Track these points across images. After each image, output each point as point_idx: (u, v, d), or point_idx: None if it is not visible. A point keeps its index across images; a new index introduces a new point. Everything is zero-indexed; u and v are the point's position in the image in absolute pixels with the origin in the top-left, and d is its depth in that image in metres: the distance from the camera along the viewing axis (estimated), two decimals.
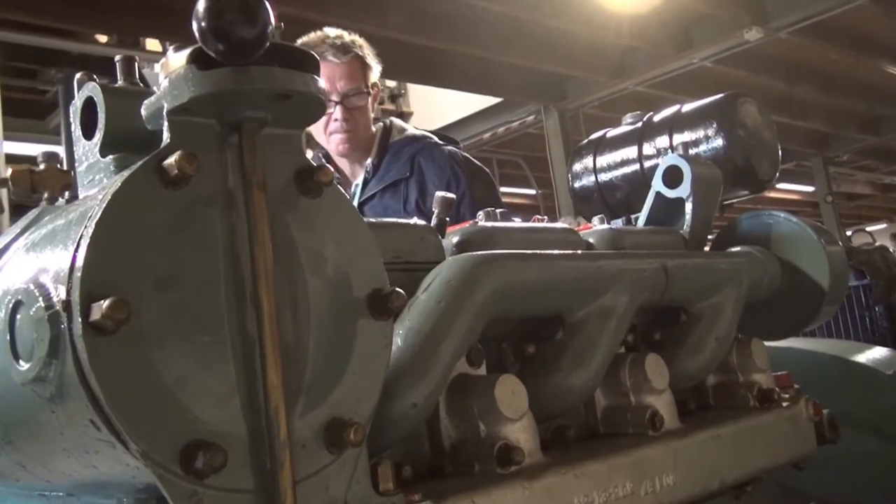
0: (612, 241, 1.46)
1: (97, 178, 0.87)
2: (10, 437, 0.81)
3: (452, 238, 1.25)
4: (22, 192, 1.04)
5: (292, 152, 0.81)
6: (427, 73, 7.74)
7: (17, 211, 1.10)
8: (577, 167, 1.99)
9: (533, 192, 11.57)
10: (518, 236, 1.31)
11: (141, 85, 0.93)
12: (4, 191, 1.06)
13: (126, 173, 0.72)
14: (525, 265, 1.13)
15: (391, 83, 8.85)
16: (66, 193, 1.00)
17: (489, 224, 1.31)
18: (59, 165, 1.08)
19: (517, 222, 1.39)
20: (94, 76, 0.95)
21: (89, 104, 0.89)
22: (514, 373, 1.20)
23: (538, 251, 1.18)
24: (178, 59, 0.73)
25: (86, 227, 0.69)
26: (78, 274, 0.67)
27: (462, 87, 8.56)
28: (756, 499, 1.35)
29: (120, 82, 0.92)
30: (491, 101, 9.78)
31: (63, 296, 0.68)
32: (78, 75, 0.94)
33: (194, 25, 0.66)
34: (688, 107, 1.85)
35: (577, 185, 2.00)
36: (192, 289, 0.72)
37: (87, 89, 0.89)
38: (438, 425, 1.07)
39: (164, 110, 0.74)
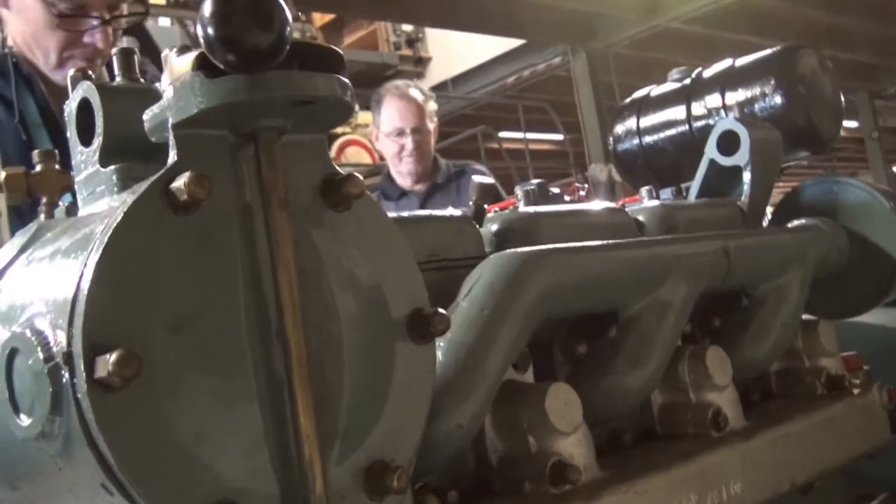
0: (665, 218, 1.34)
1: (98, 190, 0.78)
2: (18, 486, 0.73)
3: (491, 226, 1.15)
4: (18, 197, 0.96)
5: (316, 160, 0.71)
6: (445, 16, 7.46)
7: (18, 215, 1.00)
8: (619, 129, 1.86)
9: (560, 137, 11.35)
10: (562, 221, 1.20)
11: (142, 80, 0.83)
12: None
13: (129, 199, 0.62)
14: (575, 260, 1.03)
15: (407, 27, 8.60)
16: (66, 200, 0.91)
17: (530, 209, 1.20)
18: (56, 166, 0.99)
19: (559, 205, 1.28)
20: (90, 73, 0.84)
21: (85, 106, 0.79)
22: (564, 375, 1.11)
23: (587, 243, 1.07)
24: (182, 65, 0.62)
25: (86, 264, 0.60)
26: (79, 321, 0.58)
27: (483, 29, 8.27)
28: (825, 494, 1.26)
29: (119, 79, 0.82)
30: (514, 43, 9.51)
31: (64, 346, 0.59)
32: (71, 72, 0.84)
33: (199, 31, 0.55)
34: (741, 61, 1.70)
35: (619, 148, 1.87)
36: (209, 327, 0.63)
37: (83, 89, 0.79)
38: (483, 439, 0.98)
39: (169, 123, 0.64)
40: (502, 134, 10.88)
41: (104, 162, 0.78)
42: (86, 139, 0.80)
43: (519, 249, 1.00)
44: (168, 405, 0.61)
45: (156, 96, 0.81)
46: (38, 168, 0.98)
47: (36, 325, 0.62)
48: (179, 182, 0.61)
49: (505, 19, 7.84)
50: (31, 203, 0.98)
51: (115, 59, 0.82)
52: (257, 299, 0.65)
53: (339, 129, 9.26)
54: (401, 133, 3.34)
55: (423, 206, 3.33)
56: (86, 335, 0.57)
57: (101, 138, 0.77)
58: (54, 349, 0.60)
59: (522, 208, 1.26)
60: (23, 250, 0.78)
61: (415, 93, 3.40)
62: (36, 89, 1.72)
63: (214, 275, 0.64)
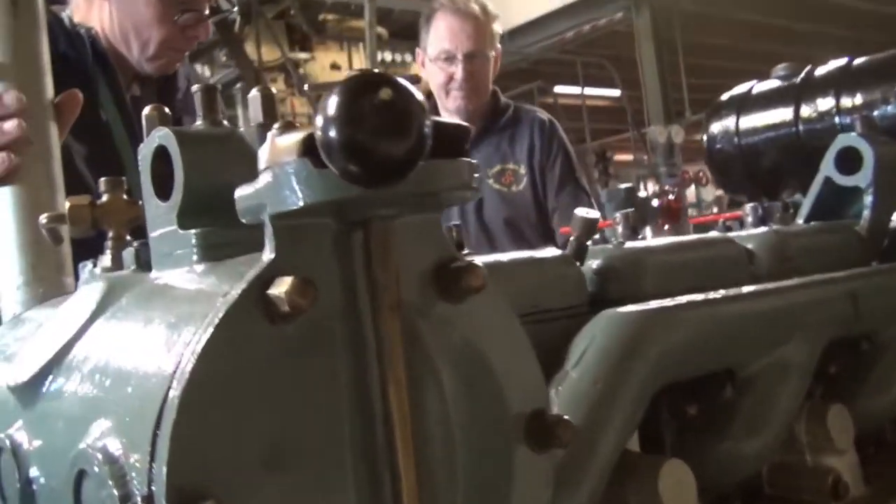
0: (777, 248, 1.21)
1: (176, 253, 0.68)
2: None
3: (592, 263, 1.03)
4: (82, 230, 0.87)
5: (430, 242, 0.60)
6: None
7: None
8: (716, 128, 1.72)
9: (617, 93, 11.05)
10: (670, 258, 1.08)
11: (227, 123, 0.72)
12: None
13: (221, 308, 0.52)
14: (695, 319, 0.91)
15: None
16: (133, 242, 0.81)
17: (636, 245, 1.08)
18: (124, 196, 0.89)
19: (665, 238, 1.15)
20: (166, 110, 0.74)
21: (161, 153, 0.69)
22: (672, 436, 1.00)
23: (705, 297, 0.95)
24: (285, 144, 0.51)
25: (171, 387, 0.51)
26: (163, 459, 0.49)
27: None
28: None
29: (199, 122, 0.72)
30: None
31: (143, 488, 0.50)
32: (146, 111, 0.74)
33: (318, 125, 0.44)
34: (859, 61, 1.54)
35: (714, 148, 1.73)
36: (308, 461, 0.53)
37: (159, 136, 0.69)
38: None
39: (266, 212, 0.54)
40: (557, 89, 10.62)
41: (183, 222, 0.68)
42: (162, 191, 0.70)
43: (633, 308, 0.88)
44: None
45: (241, 143, 0.71)
46: (105, 198, 0.89)
47: (109, 448, 0.53)
48: (279, 289, 0.51)
49: None
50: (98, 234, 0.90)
51: (197, 97, 0.72)
52: (364, 423, 0.55)
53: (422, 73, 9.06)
54: (450, 58, 2.64)
55: None
56: (171, 481, 0.48)
57: (180, 196, 0.67)
58: (131, 486, 0.51)
59: (622, 237, 1.15)
60: (93, 318, 0.69)
61: (474, 8, 2.69)
62: (110, 72, 1.67)
63: (314, 392, 0.54)
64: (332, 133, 0.43)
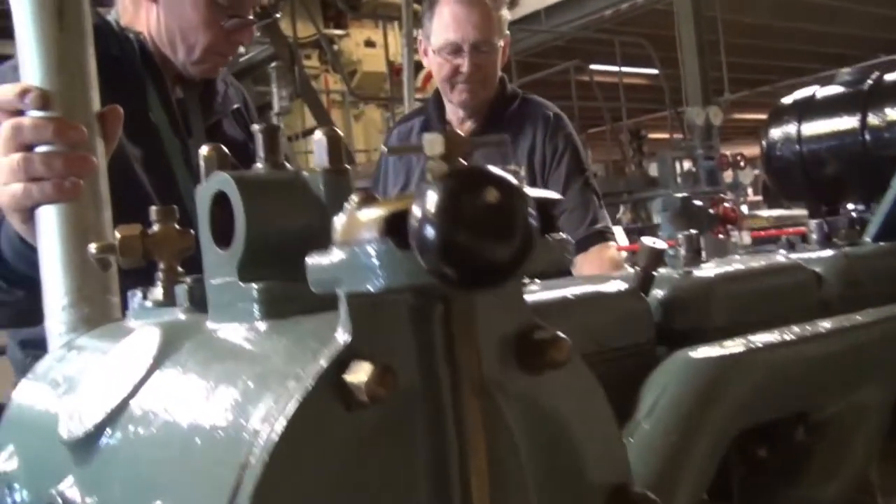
0: (846, 272, 1.16)
1: (236, 306, 0.65)
2: None
3: (657, 293, 0.98)
4: (133, 261, 0.84)
5: (513, 312, 0.56)
6: None
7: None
8: (776, 134, 1.65)
9: (654, 71, 10.86)
10: (739, 287, 1.03)
11: (289, 166, 0.69)
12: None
13: (296, 392, 0.48)
14: (773, 361, 0.86)
15: None
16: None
17: (704, 273, 1.03)
18: (175, 225, 0.86)
19: (732, 264, 1.10)
20: (225, 150, 0.71)
21: (221, 199, 0.66)
22: (740, 479, 0.96)
23: (781, 337, 0.90)
24: (365, 220, 0.47)
25: (243, 474, 0.47)
26: None
27: None
28: None
29: (260, 165, 0.68)
30: None
31: None
32: (204, 151, 0.70)
33: (414, 215, 0.40)
34: None
35: (774, 154, 1.66)
36: None
37: (218, 181, 0.65)
38: None
39: (342, 289, 0.50)
40: (593, 66, 10.46)
41: (244, 274, 0.64)
42: (221, 237, 0.66)
43: (707, 353, 0.83)
44: None
45: (304, 189, 0.67)
46: (156, 227, 0.85)
47: None
48: (357, 377, 0.48)
49: None
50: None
51: (258, 137, 0.68)
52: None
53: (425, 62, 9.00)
54: (456, 50, 2.36)
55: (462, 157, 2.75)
56: None
57: (241, 246, 0.64)
58: None
59: (685, 260, 1.10)
60: (150, 371, 0.65)
61: None
62: (157, 75, 1.67)
63: (392, 480, 0.51)
64: (429, 231, 0.39)
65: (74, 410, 0.69)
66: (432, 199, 0.39)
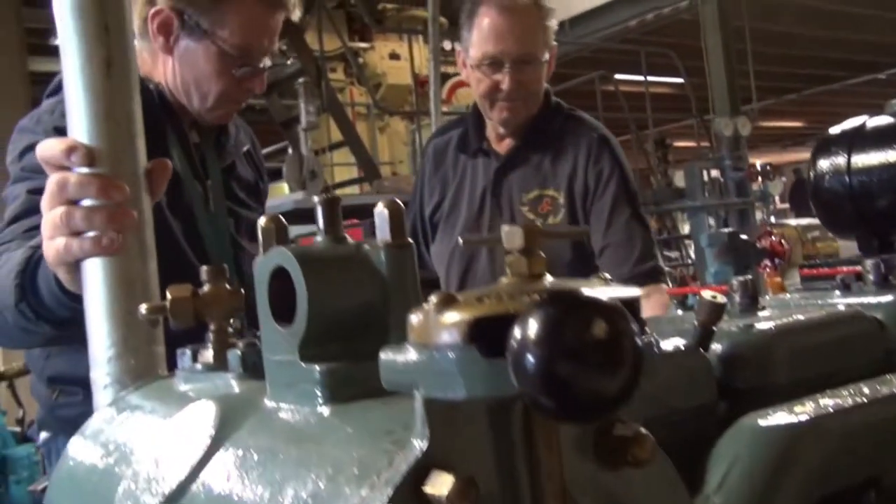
0: None
1: (297, 387, 0.62)
2: None
3: (716, 347, 0.95)
4: (184, 322, 0.82)
5: None
6: None
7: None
8: (824, 165, 1.60)
9: (679, 80, 10.78)
10: (801, 341, 1.00)
11: (350, 239, 0.66)
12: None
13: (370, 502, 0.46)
14: (847, 426, 0.83)
15: None
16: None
17: (764, 326, 0.99)
18: (227, 285, 0.85)
19: (792, 315, 1.06)
20: (283, 221, 0.69)
21: (280, 274, 0.64)
22: None
23: (853, 401, 0.86)
24: (448, 322, 0.45)
25: None
26: None
27: None
28: None
29: (320, 238, 0.66)
30: None
31: None
32: (262, 222, 0.68)
33: (513, 338, 0.37)
34: None
35: (821, 186, 1.61)
36: None
37: (277, 255, 0.63)
38: None
39: (419, 392, 0.47)
40: (618, 76, 10.41)
41: (305, 353, 0.62)
42: (281, 317, 0.64)
43: (777, 420, 0.80)
44: None
45: (366, 263, 0.65)
46: (206, 288, 0.84)
47: None
48: (437, 489, 0.45)
49: None
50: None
51: (318, 208, 0.66)
52: None
53: (450, 69, 9.03)
54: (496, 65, 2.14)
55: (498, 176, 2.27)
56: None
57: (304, 326, 0.62)
58: None
59: (741, 307, 1.07)
60: (210, 452, 0.63)
61: (524, 2, 2.15)
62: (176, 122, 1.73)
63: None
64: (529, 360, 0.36)
65: (131, 487, 0.68)
66: (533, 326, 0.36)
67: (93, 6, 1.04)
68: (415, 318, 0.48)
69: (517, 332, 0.37)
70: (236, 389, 0.74)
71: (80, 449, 0.84)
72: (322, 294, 0.62)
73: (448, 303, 0.46)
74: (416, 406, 0.48)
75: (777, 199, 13.89)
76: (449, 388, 0.45)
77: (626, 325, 0.36)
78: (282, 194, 8.61)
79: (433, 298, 0.47)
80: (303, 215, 5.98)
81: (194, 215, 1.70)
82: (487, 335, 0.44)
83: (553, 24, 2.24)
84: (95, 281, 1.03)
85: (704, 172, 8.82)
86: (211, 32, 1.65)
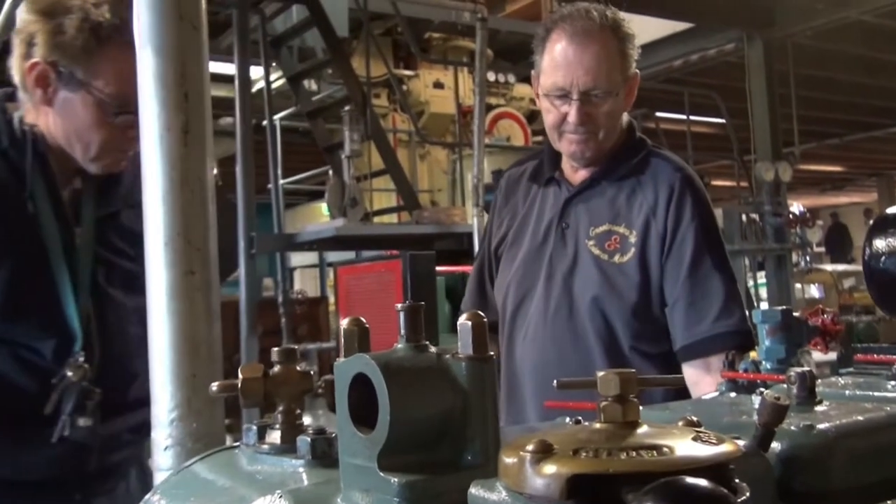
0: None
1: (376, 496, 0.64)
2: None
3: (776, 449, 0.95)
4: (254, 402, 0.84)
5: None
6: None
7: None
8: (880, 244, 1.59)
9: (720, 120, 10.73)
10: (861, 443, 0.99)
11: (430, 345, 0.68)
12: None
13: None
14: None
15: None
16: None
17: (825, 426, 0.99)
18: (297, 367, 0.86)
19: (852, 414, 1.05)
20: (366, 325, 0.70)
21: (360, 378, 0.65)
22: None
23: None
24: (546, 477, 0.46)
25: None
26: None
27: (653, 11, 7.82)
28: None
29: (402, 345, 0.67)
30: (682, 24, 8.97)
31: None
32: (345, 324, 0.70)
33: None
34: None
35: (877, 266, 1.60)
36: None
37: (361, 364, 0.65)
38: None
39: None
40: (660, 114, 10.39)
41: (383, 461, 0.63)
42: (360, 422, 0.65)
43: None
44: None
45: (445, 373, 0.66)
46: (277, 369, 0.85)
47: None
48: None
49: (679, 2, 7.37)
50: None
51: (401, 316, 0.67)
52: None
53: (493, 100, 9.10)
54: (563, 96, 2.00)
55: (567, 206, 2.13)
56: None
57: (385, 435, 0.63)
58: None
59: (798, 399, 1.06)
60: None
61: (600, 27, 1.99)
62: (47, 168, 1.75)
63: None
64: None
65: None
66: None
67: (174, 74, 1.08)
68: (508, 461, 0.49)
69: None
70: (305, 480, 0.75)
71: None
72: (404, 405, 0.63)
73: (544, 452, 0.47)
74: None
75: (816, 244, 13.74)
76: None
77: None
78: (320, 216, 8.68)
79: (530, 447, 0.48)
80: (343, 241, 6.03)
81: (48, 256, 1.69)
82: (584, 492, 0.44)
83: (634, 50, 2.08)
84: (161, 342, 1.05)
85: (743, 216, 8.76)
86: (87, 83, 1.66)
